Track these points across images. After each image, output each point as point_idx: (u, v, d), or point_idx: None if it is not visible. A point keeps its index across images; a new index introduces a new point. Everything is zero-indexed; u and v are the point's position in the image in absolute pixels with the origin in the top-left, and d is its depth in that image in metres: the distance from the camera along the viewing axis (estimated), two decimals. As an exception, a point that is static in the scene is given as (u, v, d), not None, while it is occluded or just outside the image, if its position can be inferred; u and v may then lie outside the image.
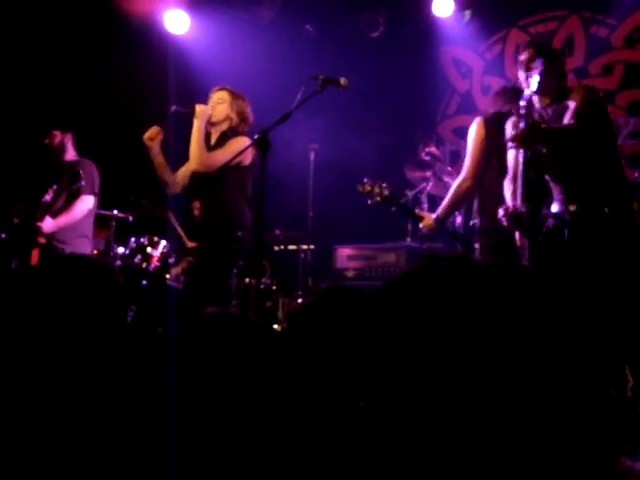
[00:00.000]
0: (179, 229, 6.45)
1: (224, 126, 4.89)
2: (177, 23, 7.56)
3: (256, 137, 4.02)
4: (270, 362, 1.48)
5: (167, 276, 5.94)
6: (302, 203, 6.95)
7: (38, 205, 5.75)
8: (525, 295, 1.10)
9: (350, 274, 6.52)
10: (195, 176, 4.87)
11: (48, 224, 5.54)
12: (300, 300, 6.47)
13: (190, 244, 6.27)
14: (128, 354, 1.60)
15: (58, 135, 5.95)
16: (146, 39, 7.45)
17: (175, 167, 5.00)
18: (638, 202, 4.42)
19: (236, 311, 1.71)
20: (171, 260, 6.04)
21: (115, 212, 6.24)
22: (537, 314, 1.08)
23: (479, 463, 1.02)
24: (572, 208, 3.89)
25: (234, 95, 4.92)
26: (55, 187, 5.76)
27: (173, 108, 4.79)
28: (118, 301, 1.78)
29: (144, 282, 5.88)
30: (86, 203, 5.75)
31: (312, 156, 6.81)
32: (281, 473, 1.37)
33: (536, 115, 3.99)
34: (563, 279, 3.81)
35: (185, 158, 4.90)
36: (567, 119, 3.89)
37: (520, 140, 3.84)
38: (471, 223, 5.09)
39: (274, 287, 6.80)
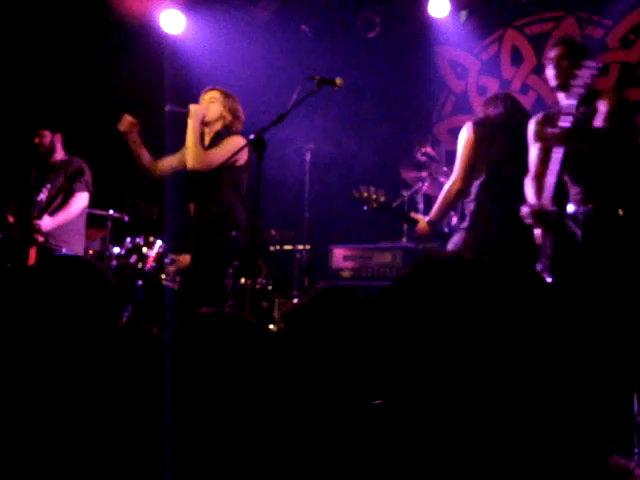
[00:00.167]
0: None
1: (218, 125, 4.90)
2: (173, 23, 7.54)
3: (252, 137, 4.03)
4: (265, 362, 1.48)
5: (163, 276, 5.93)
6: (298, 203, 6.95)
7: (32, 204, 5.76)
8: (524, 293, 1.10)
9: (346, 274, 6.52)
10: (189, 177, 4.88)
11: (47, 222, 5.59)
12: (296, 300, 6.47)
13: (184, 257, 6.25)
14: (122, 354, 1.59)
15: (48, 135, 5.97)
16: (142, 39, 7.43)
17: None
18: None
19: (231, 311, 1.71)
20: (167, 260, 6.03)
21: (111, 212, 6.24)
22: (537, 310, 1.08)
23: (478, 461, 1.02)
24: (587, 208, 3.90)
25: (225, 94, 4.94)
26: (49, 186, 5.78)
27: (168, 108, 4.81)
28: (110, 301, 1.78)
29: (140, 282, 5.87)
30: (82, 200, 5.82)
31: (308, 156, 6.81)
32: (276, 472, 1.36)
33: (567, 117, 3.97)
34: (570, 281, 3.82)
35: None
36: (599, 122, 3.90)
37: (563, 139, 3.85)
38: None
39: (270, 287, 6.79)
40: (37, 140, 5.96)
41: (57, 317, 1.67)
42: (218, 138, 4.86)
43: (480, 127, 4.60)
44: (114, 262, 5.94)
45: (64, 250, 5.59)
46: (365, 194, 5.02)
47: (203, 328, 1.52)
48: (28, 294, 1.72)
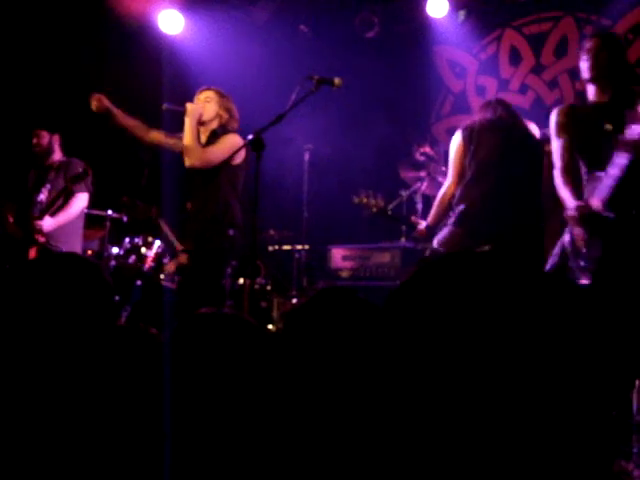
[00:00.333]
0: (171, 236, 6.44)
1: (214, 124, 4.92)
2: (171, 23, 7.55)
3: (250, 138, 4.03)
4: (264, 362, 1.48)
5: (161, 276, 5.93)
6: (296, 203, 6.95)
7: (31, 205, 5.76)
8: (534, 287, 1.10)
9: (344, 274, 6.52)
10: (186, 175, 4.88)
11: (48, 222, 5.59)
12: (295, 300, 6.47)
13: (179, 247, 6.26)
14: (120, 354, 1.59)
15: (46, 136, 5.97)
16: (141, 39, 7.44)
17: (173, 168, 5.03)
18: None
19: (230, 311, 1.71)
20: (165, 260, 6.03)
21: (109, 212, 6.25)
22: (546, 307, 1.08)
23: (482, 462, 1.02)
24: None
25: (220, 94, 4.97)
26: (48, 187, 5.77)
27: (165, 106, 4.82)
28: (106, 299, 1.78)
29: (138, 282, 5.87)
30: (82, 201, 5.81)
31: (307, 156, 6.82)
32: (275, 473, 1.36)
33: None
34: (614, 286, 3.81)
35: (178, 158, 4.91)
36: None
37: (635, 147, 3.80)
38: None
39: (269, 287, 6.80)
40: (35, 140, 5.95)
41: (52, 315, 1.67)
42: (214, 137, 4.88)
43: (468, 132, 4.65)
44: (113, 262, 5.95)
45: (63, 250, 5.58)
46: (364, 199, 5.13)
47: (202, 328, 1.52)
48: (22, 292, 1.72)
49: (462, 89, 7.86)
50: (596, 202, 3.82)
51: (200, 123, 4.85)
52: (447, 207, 4.76)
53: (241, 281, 6.31)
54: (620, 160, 3.82)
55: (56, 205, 5.71)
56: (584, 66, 4.04)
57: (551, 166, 4.92)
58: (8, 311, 1.69)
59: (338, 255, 6.62)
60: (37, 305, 1.69)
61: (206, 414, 1.42)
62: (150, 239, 5.99)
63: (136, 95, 6.89)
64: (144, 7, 7.36)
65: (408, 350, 1.09)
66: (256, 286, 6.53)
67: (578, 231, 3.87)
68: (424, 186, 6.34)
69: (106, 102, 4.90)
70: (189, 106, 4.78)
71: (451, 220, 4.65)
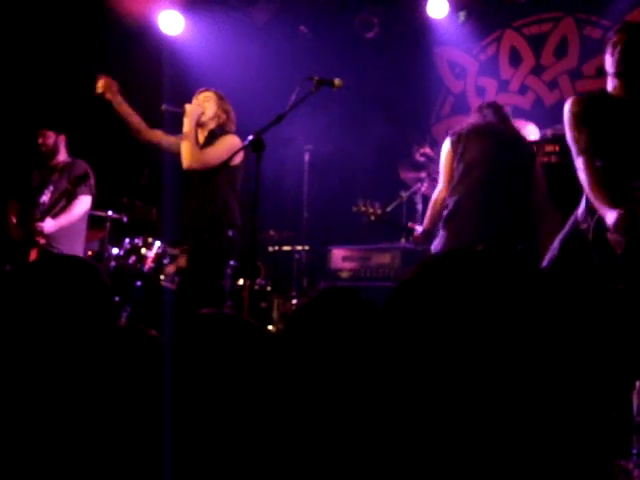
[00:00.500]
0: (170, 249, 6.42)
1: (212, 124, 4.92)
2: (172, 24, 7.55)
3: (250, 138, 4.03)
4: (265, 362, 1.48)
5: (161, 277, 5.93)
6: (296, 204, 6.95)
7: (34, 206, 5.74)
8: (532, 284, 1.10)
9: (345, 275, 6.52)
10: (184, 176, 4.88)
11: (49, 224, 5.56)
12: (295, 301, 6.47)
13: (181, 261, 6.23)
14: (120, 355, 1.59)
15: (52, 136, 5.94)
16: (141, 40, 7.44)
17: (173, 168, 5.02)
18: None
19: (231, 312, 1.71)
20: (165, 261, 6.03)
21: (109, 213, 6.24)
22: (547, 304, 1.08)
23: (483, 461, 1.02)
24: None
25: (219, 95, 4.98)
26: (51, 188, 5.76)
27: (164, 107, 4.82)
28: (105, 301, 1.78)
29: (138, 283, 5.87)
30: (85, 203, 5.78)
31: (307, 157, 6.81)
32: (276, 474, 1.36)
33: None
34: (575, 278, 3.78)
35: (178, 158, 4.91)
36: None
37: None
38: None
39: (269, 288, 6.80)
40: (40, 140, 5.92)
41: (49, 316, 1.67)
42: (212, 137, 4.88)
43: (456, 137, 4.71)
44: (113, 263, 5.95)
45: (64, 252, 5.57)
46: (362, 208, 5.26)
47: (203, 329, 1.52)
48: (19, 294, 1.72)
49: (462, 90, 7.86)
50: None
51: (198, 124, 4.85)
52: (440, 211, 4.79)
53: (241, 282, 6.31)
54: None
55: (58, 207, 5.68)
56: (610, 60, 3.93)
57: (545, 167, 4.94)
58: (6, 313, 1.69)
59: (338, 256, 6.62)
60: (35, 307, 1.69)
61: (207, 415, 1.42)
62: (150, 240, 5.98)
63: (136, 95, 6.89)
64: (144, 8, 7.36)
65: (408, 349, 1.09)
66: (256, 287, 6.53)
67: (618, 238, 3.71)
68: (424, 187, 6.35)
69: (113, 88, 4.87)
70: (188, 107, 4.79)
71: (441, 224, 4.70)
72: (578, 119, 3.90)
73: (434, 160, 6.48)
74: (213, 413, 1.42)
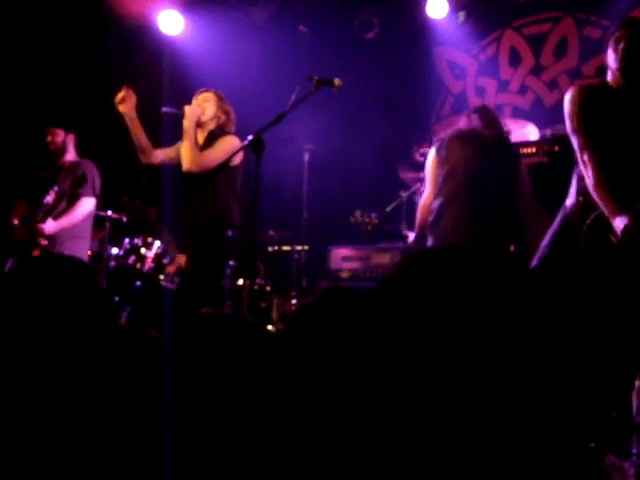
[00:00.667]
0: (172, 246, 6.42)
1: (211, 125, 4.92)
2: (171, 24, 7.55)
3: (250, 138, 4.03)
4: (265, 363, 1.48)
5: (161, 277, 5.92)
6: (296, 204, 6.95)
7: (39, 206, 5.71)
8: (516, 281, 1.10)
9: (344, 275, 6.52)
10: (184, 176, 4.87)
11: (50, 226, 5.52)
12: (294, 301, 6.47)
13: (180, 259, 6.22)
14: (119, 355, 1.59)
15: (61, 134, 5.89)
16: (140, 40, 7.43)
17: (173, 168, 5.01)
18: None
19: (231, 312, 1.71)
20: (165, 261, 6.03)
21: (109, 213, 6.22)
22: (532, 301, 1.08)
23: (475, 461, 1.02)
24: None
25: (218, 96, 4.97)
26: (56, 188, 5.71)
27: (163, 110, 4.81)
28: (97, 300, 1.77)
29: (138, 283, 5.87)
30: (88, 205, 5.73)
31: (306, 157, 6.81)
32: (276, 475, 1.36)
33: None
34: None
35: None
36: None
37: None
38: None
39: (268, 288, 6.80)
40: (49, 138, 5.87)
41: (39, 317, 1.67)
42: (212, 138, 4.87)
43: (440, 143, 4.80)
44: (112, 263, 5.94)
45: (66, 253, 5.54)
46: (359, 218, 5.52)
47: (203, 329, 1.52)
48: (12, 294, 1.71)
49: (462, 90, 7.86)
50: None
51: (198, 124, 4.85)
52: (427, 217, 4.84)
53: (240, 282, 6.31)
54: None
55: (59, 208, 5.65)
56: (613, 55, 3.89)
57: (544, 167, 4.97)
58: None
59: (338, 256, 6.62)
60: (24, 307, 1.68)
61: (206, 415, 1.42)
62: (150, 239, 5.98)
63: (136, 95, 6.88)
64: (144, 7, 7.35)
65: (389, 346, 1.09)
66: (255, 287, 6.53)
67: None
68: (424, 187, 6.35)
69: (132, 103, 4.83)
70: (187, 109, 4.78)
71: (427, 230, 4.78)
72: (582, 110, 3.82)
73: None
74: (213, 413, 1.42)
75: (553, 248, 3.88)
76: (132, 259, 5.92)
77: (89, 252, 6.24)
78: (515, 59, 7.52)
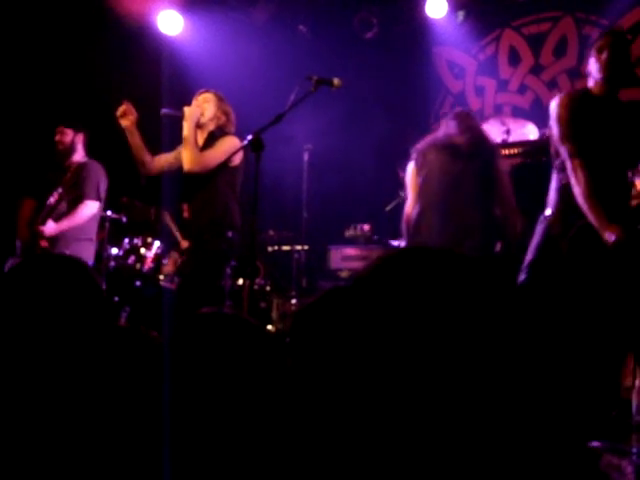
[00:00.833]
0: (174, 229, 6.43)
1: (211, 126, 4.91)
2: (171, 24, 7.55)
3: (249, 138, 4.02)
4: (265, 362, 1.48)
5: (161, 277, 5.93)
6: (296, 204, 6.95)
7: (42, 207, 5.65)
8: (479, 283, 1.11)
9: (344, 274, 6.52)
10: (185, 178, 4.87)
11: (50, 228, 5.45)
12: (294, 301, 6.47)
13: (184, 244, 6.25)
14: (119, 355, 1.59)
15: (69, 134, 5.83)
16: (140, 40, 7.43)
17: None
18: None
19: (231, 311, 1.71)
20: (165, 261, 6.03)
21: (109, 213, 6.21)
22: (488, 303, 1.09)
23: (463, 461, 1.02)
24: (561, 209, 3.87)
25: (218, 96, 4.96)
26: (60, 190, 5.65)
27: (163, 111, 4.79)
28: (96, 300, 1.77)
29: (138, 283, 5.86)
30: (90, 208, 5.65)
31: (306, 156, 6.81)
32: (276, 475, 1.36)
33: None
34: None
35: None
36: None
37: None
38: None
39: (268, 288, 6.80)
40: (57, 137, 5.80)
41: (37, 317, 1.67)
42: (212, 139, 4.86)
43: (416, 153, 4.99)
44: (112, 263, 5.93)
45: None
46: (353, 232, 5.86)
47: (203, 328, 1.52)
48: (9, 294, 1.71)
49: (461, 89, 7.87)
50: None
51: (198, 125, 4.84)
52: (410, 226, 4.96)
53: (240, 282, 6.31)
54: None
55: (60, 210, 5.59)
56: (596, 65, 3.95)
57: (543, 167, 5.01)
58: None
59: (338, 255, 6.62)
60: (24, 309, 1.68)
61: (206, 415, 1.42)
62: (149, 240, 5.98)
63: (135, 95, 6.88)
64: (143, 8, 7.36)
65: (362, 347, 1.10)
66: (255, 286, 6.53)
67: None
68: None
69: (133, 118, 4.83)
70: (187, 110, 4.77)
71: (410, 239, 4.93)
72: (569, 119, 3.88)
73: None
74: (213, 413, 1.42)
75: (538, 262, 3.88)
76: (132, 259, 5.92)
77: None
78: (514, 58, 7.52)
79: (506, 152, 5.74)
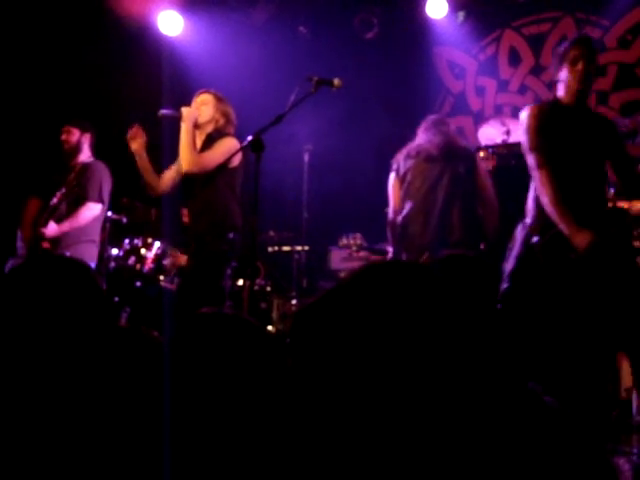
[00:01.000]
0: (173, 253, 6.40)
1: (209, 128, 4.89)
2: (171, 24, 7.55)
3: (250, 138, 4.02)
4: (265, 362, 1.48)
5: (161, 278, 5.92)
6: (296, 204, 6.95)
7: (45, 208, 5.62)
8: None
9: (344, 275, 6.52)
10: (184, 180, 4.87)
11: (51, 229, 5.42)
12: (294, 301, 6.47)
13: (182, 260, 6.20)
14: (120, 355, 1.59)
15: (76, 133, 5.80)
16: (140, 41, 7.43)
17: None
18: None
19: (232, 312, 1.71)
20: (165, 262, 6.03)
21: (109, 214, 6.20)
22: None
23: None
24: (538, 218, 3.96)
25: (217, 97, 4.94)
26: (63, 190, 5.62)
27: (161, 112, 4.78)
28: (97, 301, 1.77)
29: (138, 284, 5.86)
30: (92, 210, 5.62)
31: (306, 157, 6.81)
32: (275, 475, 1.36)
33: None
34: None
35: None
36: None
37: None
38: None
39: (268, 288, 6.79)
40: (64, 137, 5.76)
41: (41, 317, 1.67)
42: (210, 141, 4.85)
43: (395, 163, 5.17)
44: (112, 264, 5.93)
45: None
46: (345, 242, 5.88)
47: (203, 328, 1.52)
48: (10, 295, 1.71)
49: (461, 90, 7.86)
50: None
51: (196, 127, 4.83)
52: (396, 233, 5.16)
53: (241, 282, 6.31)
54: None
55: (61, 211, 5.56)
56: (569, 76, 3.94)
57: (510, 171, 5.18)
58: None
59: (338, 256, 6.63)
60: (24, 309, 1.68)
61: (207, 415, 1.42)
62: (150, 240, 5.97)
63: (136, 96, 6.89)
64: (144, 8, 7.36)
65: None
66: (256, 287, 6.52)
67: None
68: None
69: (142, 141, 4.84)
70: (184, 111, 4.75)
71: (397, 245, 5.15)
72: (538, 130, 3.95)
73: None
74: (213, 413, 1.42)
75: (519, 271, 3.91)
76: (132, 260, 5.91)
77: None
78: (515, 59, 7.52)
79: (506, 152, 5.75)
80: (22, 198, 5.86)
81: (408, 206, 4.99)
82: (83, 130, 5.83)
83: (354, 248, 5.88)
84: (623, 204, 3.95)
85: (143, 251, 5.94)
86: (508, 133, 6.13)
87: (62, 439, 1.48)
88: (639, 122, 4.71)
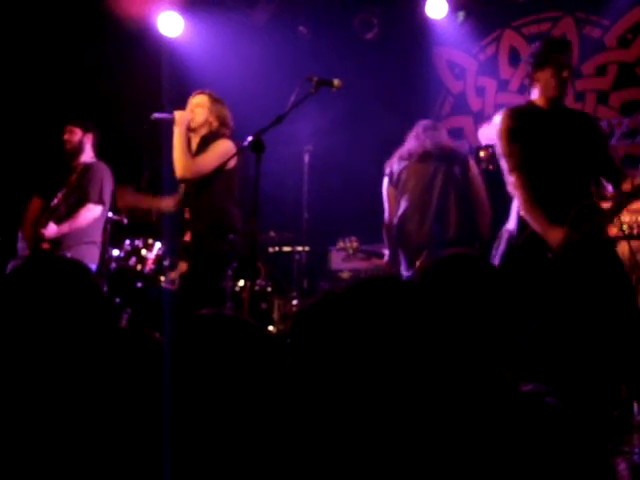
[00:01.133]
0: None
1: (203, 130, 4.83)
2: (171, 25, 7.55)
3: (250, 139, 4.02)
4: (265, 363, 1.48)
5: (162, 278, 5.92)
6: (297, 204, 6.95)
7: (46, 208, 5.60)
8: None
9: (345, 275, 6.53)
10: (182, 183, 4.84)
11: (51, 230, 5.41)
12: (295, 302, 6.47)
13: (183, 266, 6.18)
14: (121, 356, 1.59)
15: (78, 133, 5.77)
16: (140, 42, 7.43)
17: (172, 171, 5.00)
18: None
19: (232, 313, 1.71)
20: (166, 262, 6.02)
21: (110, 215, 6.19)
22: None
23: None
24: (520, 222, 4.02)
25: (213, 99, 4.88)
26: (64, 191, 5.60)
27: (154, 116, 4.73)
28: (97, 302, 1.77)
29: (139, 284, 5.86)
30: (92, 211, 5.60)
31: (306, 157, 6.81)
32: (275, 475, 1.36)
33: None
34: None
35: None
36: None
37: None
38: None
39: (269, 289, 6.79)
40: (66, 136, 5.73)
41: (42, 318, 1.67)
42: (204, 144, 4.79)
43: (387, 168, 5.34)
44: (113, 264, 5.92)
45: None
46: (342, 245, 5.95)
47: (203, 329, 1.52)
48: (10, 296, 1.71)
49: (462, 90, 7.86)
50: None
51: (190, 130, 4.78)
52: (392, 235, 5.31)
53: (241, 283, 6.30)
54: None
55: (61, 212, 5.55)
56: (552, 81, 3.94)
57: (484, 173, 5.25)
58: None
59: (338, 256, 6.62)
60: (25, 310, 1.68)
61: (207, 416, 1.42)
62: (150, 241, 5.97)
63: (136, 97, 6.89)
64: (143, 9, 7.36)
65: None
66: (256, 288, 6.52)
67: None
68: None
69: (130, 198, 4.84)
70: (177, 114, 4.70)
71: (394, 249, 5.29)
72: (511, 134, 3.99)
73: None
74: (213, 413, 1.42)
75: (503, 269, 3.94)
76: (133, 260, 5.91)
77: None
78: (515, 59, 7.51)
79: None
80: (24, 199, 5.85)
81: (403, 205, 5.10)
82: (85, 130, 5.80)
83: (350, 251, 5.98)
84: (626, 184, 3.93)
85: (144, 252, 5.94)
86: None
87: (63, 439, 1.48)
88: (639, 122, 4.71)
